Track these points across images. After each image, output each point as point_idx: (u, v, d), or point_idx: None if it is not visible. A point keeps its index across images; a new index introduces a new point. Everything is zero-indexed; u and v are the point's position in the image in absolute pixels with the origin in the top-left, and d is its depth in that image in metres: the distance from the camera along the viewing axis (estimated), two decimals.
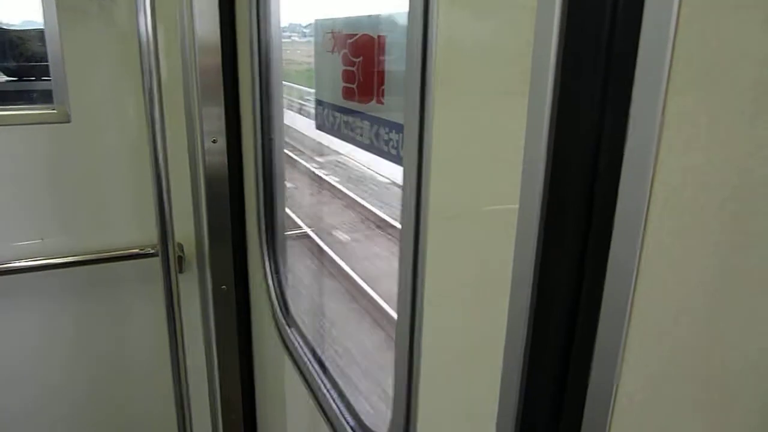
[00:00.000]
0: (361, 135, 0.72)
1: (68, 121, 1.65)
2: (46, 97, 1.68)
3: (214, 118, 1.38)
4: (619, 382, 0.40)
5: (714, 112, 0.33)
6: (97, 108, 1.65)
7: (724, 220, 0.34)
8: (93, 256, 1.71)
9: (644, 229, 0.37)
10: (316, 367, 1.06)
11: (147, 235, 1.75)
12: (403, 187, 0.63)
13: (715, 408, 0.38)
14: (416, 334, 0.66)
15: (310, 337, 1.16)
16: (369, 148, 0.70)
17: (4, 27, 2.68)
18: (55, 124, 1.65)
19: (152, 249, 1.73)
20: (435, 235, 0.60)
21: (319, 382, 1.02)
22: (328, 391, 0.99)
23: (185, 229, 1.70)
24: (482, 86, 0.51)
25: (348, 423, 0.90)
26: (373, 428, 0.87)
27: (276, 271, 1.30)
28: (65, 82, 1.61)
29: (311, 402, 1.06)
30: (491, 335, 0.51)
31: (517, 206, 0.46)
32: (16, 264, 1.67)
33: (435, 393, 0.66)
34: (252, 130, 1.28)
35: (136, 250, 1.71)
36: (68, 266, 1.72)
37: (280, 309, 1.26)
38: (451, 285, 0.60)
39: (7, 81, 2.67)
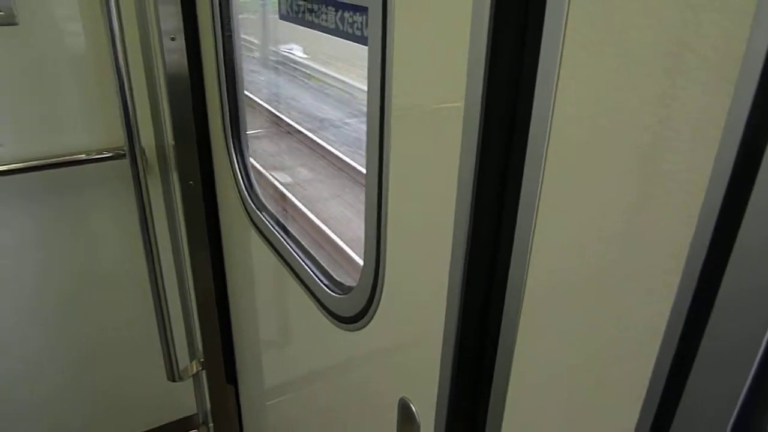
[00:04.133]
0: (326, 20, 0.81)
1: (15, 23, 1.63)
2: None
3: (171, 16, 1.41)
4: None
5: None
6: (44, 8, 1.63)
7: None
8: (56, 159, 1.74)
9: (551, 121, 0.50)
10: (288, 240, 1.19)
11: (107, 137, 1.79)
12: (369, 83, 0.74)
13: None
14: (382, 206, 0.79)
15: (279, 217, 1.28)
16: (335, 32, 0.79)
17: None
18: (2, 26, 1.63)
19: (112, 152, 1.78)
20: (397, 126, 0.72)
21: (293, 252, 1.15)
22: (301, 258, 1.12)
23: (144, 131, 1.75)
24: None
25: (322, 282, 1.05)
26: (343, 282, 1.02)
27: (242, 162, 1.39)
28: None
29: (285, 272, 1.20)
30: (445, 199, 0.64)
31: (462, 104, 0.58)
32: None
33: (400, 245, 0.79)
34: (210, 26, 1.33)
35: (103, 153, 1.75)
36: (30, 171, 1.74)
37: (249, 196, 1.37)
38: (411, 165, 0.72)
39: None
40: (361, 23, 0.75)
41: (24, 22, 1.63)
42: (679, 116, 0.40)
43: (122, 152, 1.73)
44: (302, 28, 0.90)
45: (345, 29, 0.77)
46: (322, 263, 1.09)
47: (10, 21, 1.63)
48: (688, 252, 0.40)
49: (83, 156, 1.76)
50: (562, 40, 0.48)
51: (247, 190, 1.38)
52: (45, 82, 1.70)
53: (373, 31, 0.69)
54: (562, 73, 0.48)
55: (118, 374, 2.17)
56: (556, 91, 0.49)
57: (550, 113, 0.50)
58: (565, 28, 0.47)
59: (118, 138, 1.71)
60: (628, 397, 0.48)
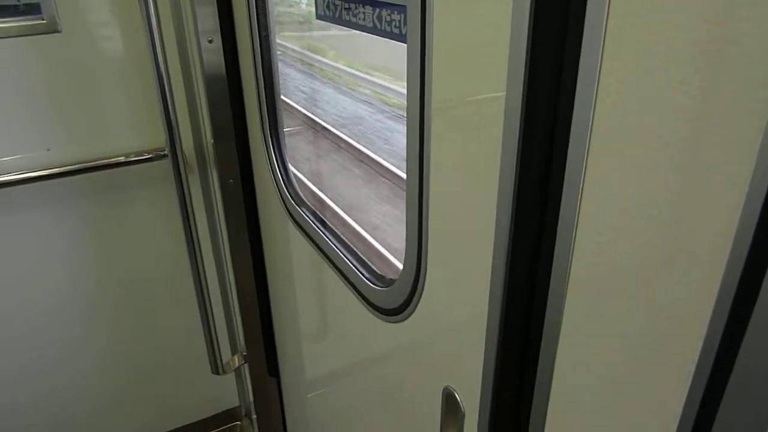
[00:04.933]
0: (364, 19, 0.82)
1: (58, 31, 1.69)
2: (33, 10, 1.71)
3: (208, 17, 1.44)
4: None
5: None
6: (85, 15, 1.69)
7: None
8: (100, 162, 1.80)
9: (593, 112, 0.50)
10: (328, 235, 1.22)
11: (148, 139, 1.84)
12: (408, 78, 0.75)
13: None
14: (424, 198, 0.80)
15: (318, 213, 1.31)
16: (372, 30, 0.81)
17: None
18: (46, 35, 1.69)
19: (153, 153, 1.83)
20: (437, 120, 0.73)
21: (332, 246, 1.18)
22: (340, 251, 1.15)
23: (183, 132, 1.79)
24: None
25: (363, 275, 1.07)
26: (383, 274, 1.04)
27: (280, 159, 1.42)
28: None
29: (325, 265, 1.22)
30: (487, 189, 0.65)
31: (504, 93, 0.59)
32: (24, 175, 1.74)
33: (442, 235, 0.81)
34: (247, 27, 1.35)
35: (144, 154, 1.80)
36: (75, 174, 1.80)
37: (288, 192, 1.40)
38: (452, 157, 0.73)
39: None
40: (399, 21, 0.76)
41: (66, 29, 1.69)
42: (721, 109, 0.41)
43: (163, 153, 1.78)
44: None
45: (383, 27, 0.79)
46: (362, 256, 1.11)
47: (53, 29, 1.69)
48: (732, 244, 0.41)
49: (125, 158, 1.82)
50: (604, 30, 0.48)
51: (285, 186, 1.41)
52: (87, 87, 1.76)
53: (412, 28, 0.70)
54: (604, 64, 0.49)
55: (165, 369, 2.24)
56: (598, 82, 0.50)
57: (593, 104, 0.51)
58: (608, 17, 0.48)
59: (159, 139, 1.76)
60: (672, 389, 0.49)
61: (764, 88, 0.37)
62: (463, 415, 0.82)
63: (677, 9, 0.42)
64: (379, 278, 1.04)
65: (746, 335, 0.41)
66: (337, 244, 1.17)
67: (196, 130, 1.82)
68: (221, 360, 1.92)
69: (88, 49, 1.72)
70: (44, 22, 1.69)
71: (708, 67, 0.41)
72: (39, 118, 1.73)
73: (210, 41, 1.46)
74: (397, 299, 0.93)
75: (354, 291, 1.10)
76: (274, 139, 1.42)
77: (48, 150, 1.77)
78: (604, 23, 0.48)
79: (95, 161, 1.79)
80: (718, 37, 0.40)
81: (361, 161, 3.60)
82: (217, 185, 1.79)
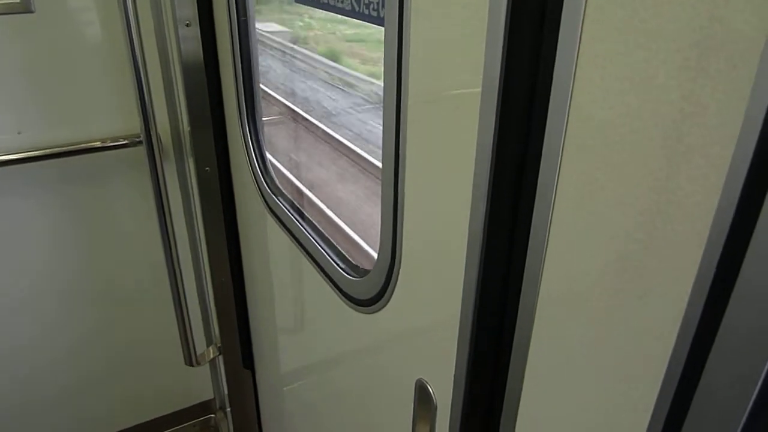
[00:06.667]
0: (342, 2, 0.80)
1: (32, 11, 1.64)
2: None
3: (187, 1, 1.41)
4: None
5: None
6: None
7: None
8: (73, 147, 1.76)
9: (569, 109, 0.49)
10: (304, 224, 1.20)
11: (123, 125, 1.80)
12: (385, 70, 0.73)
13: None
14: (399, 189, 0.79)
15: (295, 202, 1.29)
16: (350, 13, 0.79)
17: None
18: (19, 14, 1.64)
19: (128, 139, 1.79)
20: (414, 109, 0.71)
21: (309, 236, 1.16)
22: (317, 242, 1.13)
23: (159, 117, 1.76)
24: None
25: (338, 265, 1.05)
26: (358, 264, 1.03)
27: (258, 148, 1.40)
28: None
29: (301, 256, 1.20)
30: (462, 180, 0.64)
31: (480, 80, 0.57)
32: None
33: (417, 226, 0.79)
34: (226, 11, 1.33)
35: (119, 140, 1.76)
36: (46, 158, 1.76)
37: (265, 181, 1.37)
38: (428, 148, 0.72)
39: None
40: (378, 4, 0.74)
41: (40, 9, 1.64)
42: (700, 92, 0.40)
43: (138, 139, 1.74)
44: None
45: (361, 10, 0.77)
46: (338, 247, 1.09)
47: (26, 9, 1.64)
48: (703, 253, 0.40)
49: (100, 143, 1.78)
50: (581, 21, 0.47)
51: (263, 176, 1.38)
52: (61, 70, 1.71)
53: (390, 12, 0.68)
54: (582, 50, 0.48)
55: (136, 360, 2.20)
56: (576, 67, 0.49)
57: (569, 101, 0.50)
58: (585, 7, 0.47)
59: (134, 125, 1.72)
60: (642, 384, 0.48)
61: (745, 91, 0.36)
62: (436, 407, 0.81)
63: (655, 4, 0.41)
64: (354, 268, 1.03)
65: (709, 357, 0.40)
66: (312, 234, 1.15)
67: (172, 116, 1.78)
68: (195, 352, 1.89)
69: (62, 31, 1.67)
70: (18, 1, 1.64)
71: (686, 49, 0.40)
72: (9, 100, 1.69)
73: (187, 24, 1.43)
74: (371, 290, 0.92)
75: (329, 281, 1.09)
76: (251, 127, 1.40)
77: (19, 133, 1.73)
78: (582, 11, 0.47)
79: (68, 146, 1.75)
80: (697, 37, 0.39)
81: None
82: (193, 173, 1.76)
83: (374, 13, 0.75)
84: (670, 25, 0.40)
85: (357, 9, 0.78)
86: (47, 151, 1.74)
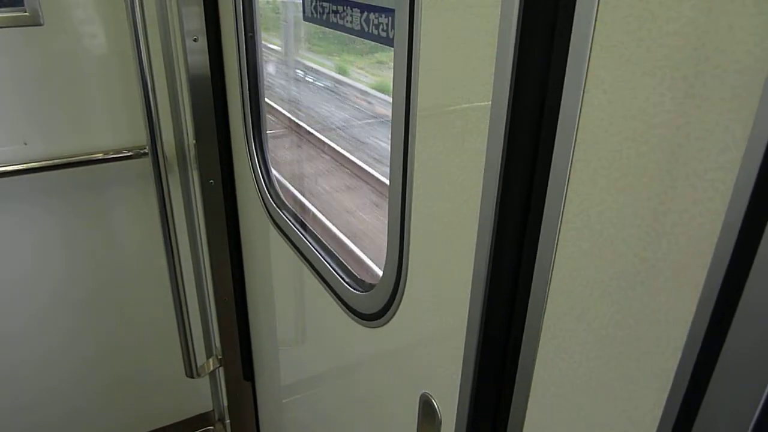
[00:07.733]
0: (351, 21, 0.82)
1: (41, 24, 1.66)
2: (15, 2, 1.68)
3: (194, 16, 1.43)
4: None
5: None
6: (69, 9, 1.67)
7: None
8: (79, 158, 1.77)
9: (578, 122, 0.51)
10: (309, 238, 1.21)
11: (128, 137, 1.82)
12: (394, 83, 0.75)
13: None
14: (406, 204, 0.80)
15: (299, 216, 1.30)
16: (359, 33, 0.81)
17: None
18: (28, 27, 1.66)
19: (133, 151, 1.81)
20: (422, 126, 0.73)
21: (313, 250, 1.17)
22: (321, 256, 1.14)
23: (165, 130, 1.77)
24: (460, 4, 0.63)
25: (343, 279, 1.06)
26: (364, 279, 1.03)
27: (263, 161, 1.41)
28: None
29: (305, 269, 1.21)
30: (470, 196, 0.65)
31: (489, 103, 0.59)
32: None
33: (423, 241, 0.80)
34: (233, 27, 1.35)
35: (124, 152, 1.78)
36: (52, 169, 1.77)
37: (270, 195, 1.39)
38: (436, 164, 0.73)
39: None
40: (387, 24, 0.76)
41: (49, 23, 1.66)
42: (705, 119, 0.41)
43: (144, 151, 1.75)
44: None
45: (370, 30, 0.79)
46: (343, 261, 1.10)
47: (35, 22, 1.66)
48: (714, 251, 0.41)
49: (105, 155, 1.79)
50: (591, 37, 0.48)
51: (267, 189, 1.40)
52: (69, 82, 1.73)
53: (400, 32, 0.70)
54: (590, 74, 0.49)
55: (137, 371, 2.20)
56: (584, 91, 0.50)
57: (578, 114, 0.51)
58: (595, 25, 0.48)
59: (140, 137, 1.73)
60: (651, 399, 0.49)
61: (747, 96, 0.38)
62: (440, 422, 0.81)
63: (665, 10, 0.42)
64: (359, 282, 1.04)
65: (723, 349, 0.41)
66: (317, 248, 1.16)
67: (177, 129, 1.80)
68: (196, 363, 1.89)
69: (70, 44, 1.69)
70: (27, 14, 1.66)
71: (691, 77, 0.41)
72: (17, 111, 1.70)
73: (195, 39, 1.45)
74: (376, 304, 0.93)
75: (333, 295, 1.09)
76: (256, 140, 1.41)
77: (25, 144, 1.74)
78: (591, 35, 0.48)
79: (74, 157, 1.76)
80: (701, 51, 0.40)
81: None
82: (197, 185, 1.77)
83: (383, 34, 0.77)
84: (677, 54, 0.42)
85: (366, 29, 0.79)
86: (53, 162, 1.75)
